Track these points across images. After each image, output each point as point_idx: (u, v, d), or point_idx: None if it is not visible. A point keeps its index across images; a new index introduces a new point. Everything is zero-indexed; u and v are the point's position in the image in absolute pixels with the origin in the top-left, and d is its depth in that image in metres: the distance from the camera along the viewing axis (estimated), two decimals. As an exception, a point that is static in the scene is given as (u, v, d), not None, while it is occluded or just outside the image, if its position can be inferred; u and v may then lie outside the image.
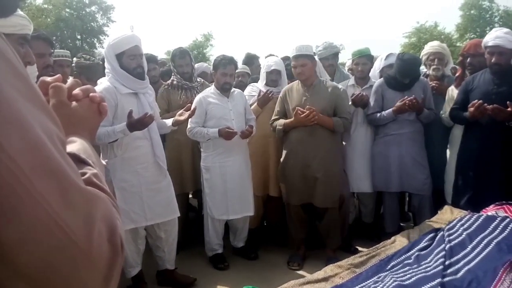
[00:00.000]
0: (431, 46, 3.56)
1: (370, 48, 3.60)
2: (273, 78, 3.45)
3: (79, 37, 27.08)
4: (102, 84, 2.56)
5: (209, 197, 3.19)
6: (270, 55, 3.82)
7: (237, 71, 3.54)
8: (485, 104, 2.71)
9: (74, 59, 3.36)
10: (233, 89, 3.24)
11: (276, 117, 3.21)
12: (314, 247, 3.35)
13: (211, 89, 3.23)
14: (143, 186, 2.61)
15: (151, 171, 2.65)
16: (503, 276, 1.78)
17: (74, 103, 0.68)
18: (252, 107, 3.42)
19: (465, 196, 2.97)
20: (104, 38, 25.52)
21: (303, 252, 3.27)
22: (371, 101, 3.39)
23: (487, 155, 2.88)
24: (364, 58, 3.52)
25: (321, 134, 3.04)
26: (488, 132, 2.87)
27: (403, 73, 3.26)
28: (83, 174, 0.51)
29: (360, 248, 3.23)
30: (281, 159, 3.21)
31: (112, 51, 2.54)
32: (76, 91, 0.69)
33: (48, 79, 0.67)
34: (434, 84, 3.43)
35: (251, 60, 4.43)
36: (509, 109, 2.66)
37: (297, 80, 3.19)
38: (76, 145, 0.61)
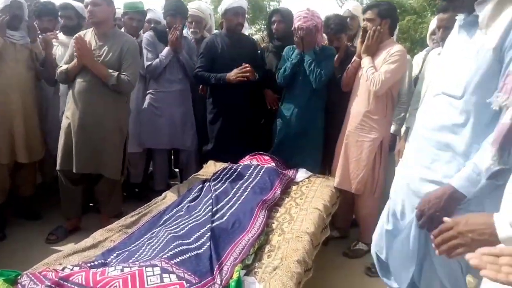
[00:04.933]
0: (190, 8, 3.47)
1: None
2: None
3: None
4: None
5: None
6: None
7: None
8: None
9: None
10: None
11: (66, 65, 2.75)
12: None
13: None
14: None
15: None
16: (258, 214, 2.07)
17: None
18: None
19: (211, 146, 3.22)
20: None
21: (74, 223, 2.95)
22: (147, 53, 3.24)
23: (231, 110, 3.13)
24: (136, 14, 3.29)
25: (101, 91, 2.70)
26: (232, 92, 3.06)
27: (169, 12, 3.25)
28: None
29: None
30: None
31: None
32: None
33: None
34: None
35: None
36: None
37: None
38: None
